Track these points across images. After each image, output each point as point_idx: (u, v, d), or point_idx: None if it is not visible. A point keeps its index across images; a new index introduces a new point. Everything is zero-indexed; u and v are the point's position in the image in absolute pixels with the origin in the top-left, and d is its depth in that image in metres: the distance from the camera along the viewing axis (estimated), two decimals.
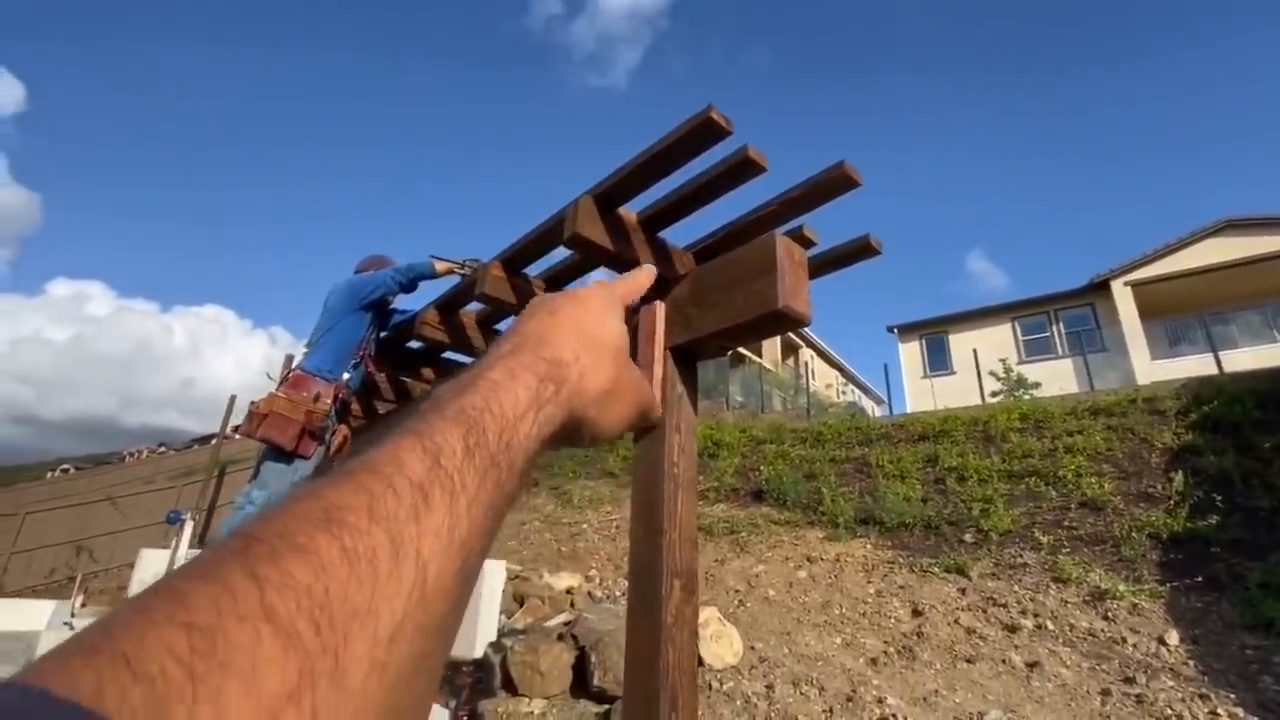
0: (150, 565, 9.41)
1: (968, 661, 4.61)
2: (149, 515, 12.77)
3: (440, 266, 3.14)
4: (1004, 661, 4.57)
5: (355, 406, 4.43)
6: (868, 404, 25.92)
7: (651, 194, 2.09)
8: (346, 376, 3.07)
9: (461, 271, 3.13)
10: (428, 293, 3.64)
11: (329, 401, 2.92)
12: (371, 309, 3.21)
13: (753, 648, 4.97)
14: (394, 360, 3.54)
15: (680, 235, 2.37)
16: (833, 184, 1.93)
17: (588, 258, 2.26)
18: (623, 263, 2.16)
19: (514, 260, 2.52)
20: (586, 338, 0.37)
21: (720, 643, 4.76)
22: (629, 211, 2.17)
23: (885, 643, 5.00)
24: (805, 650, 4.93)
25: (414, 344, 3.45)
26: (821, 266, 2.34)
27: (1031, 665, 4.50)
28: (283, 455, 2.79)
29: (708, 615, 4.97)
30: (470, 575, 0.24)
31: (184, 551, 2.71)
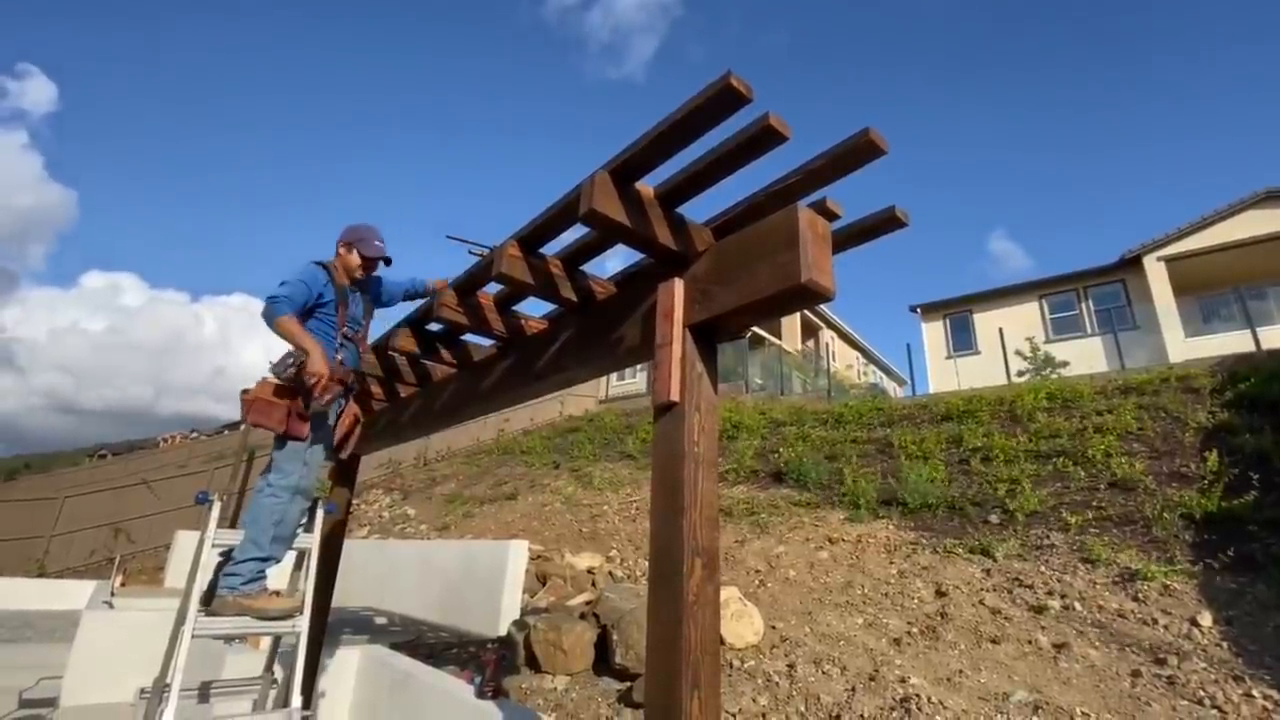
0: (185, 545, 9.71)
1: (993, 642, 4.56)
2: (183, 498, 13.14)
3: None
4: (1030, 642, 4.51)
5: (377, 390, 4.48)
6: (889, 385, 25.61)
7: (669, 168, 2.04)
8: (339, 357, 3.07)
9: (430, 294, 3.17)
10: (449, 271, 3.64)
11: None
12: (356, 289, 3.25)
13: (774, 627, 4.97)
14: (417, 342, 3.56)
15: (698, 213, 2.32)
16: (858, 152, 1.86)
17: (605, 235, 2.23)
18: (640, 239, 2.12)
19: (530, 239, 2.49)
20: None
21: (741, 622, 4.77)
22: (646, 186, 2.13)
23: (908, 623, 4.97)
24: (827, 630, 4.92)
25: (434, 326, 3.46)
26: (846, 240, 2.28)
27: (1059, 646, 4.44)
28: (280, 440, 2.83)
29: (728, 595, 4.98)
30: None
31: (212, 530, 2.75)
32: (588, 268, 2.79)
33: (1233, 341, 12.54)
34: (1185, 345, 13.95)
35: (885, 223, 2.19)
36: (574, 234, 2.56)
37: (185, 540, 9.92)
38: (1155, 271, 15.36)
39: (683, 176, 2.06)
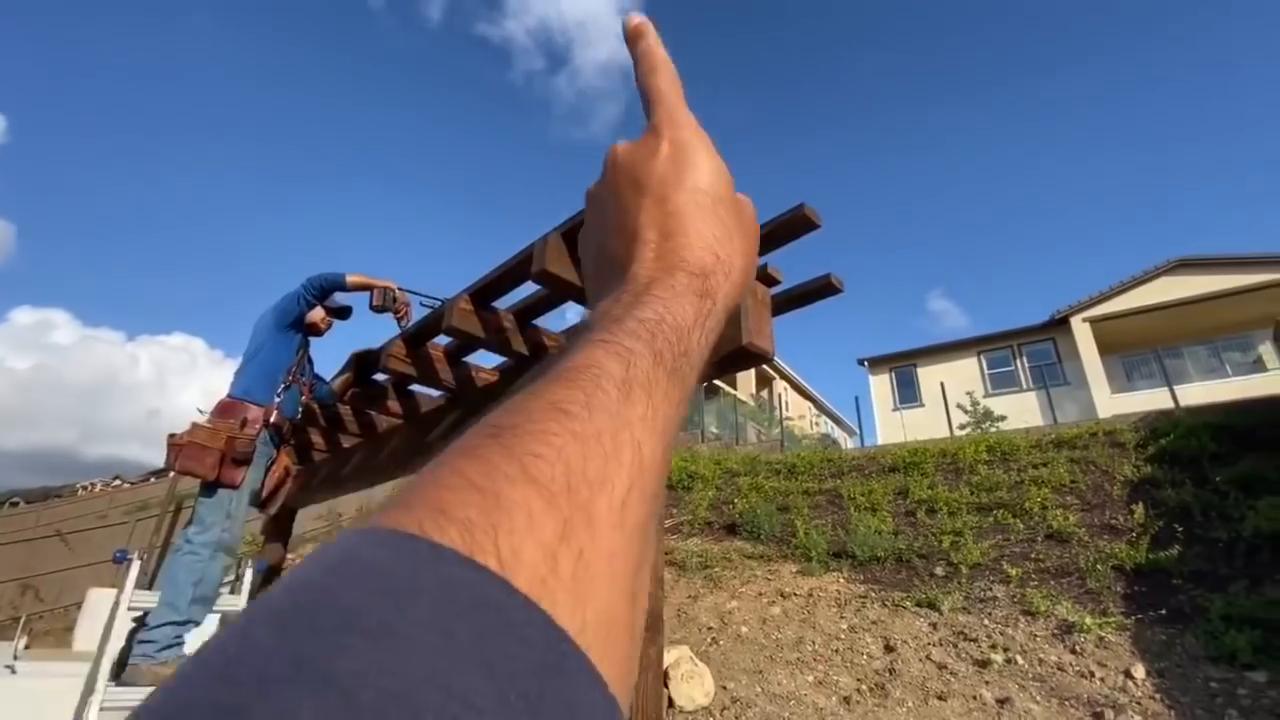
0: (97, 605, 8.95)
1: (939, 699, 4.59)
2: (100, 552, 12.20)
3: (351, 280, 3.07)
4: (975, 698, 4.56)
5: (318, 440, 4.33)
6: (840, 435, 26.15)
7: None
8: (277, 400, 2.98)
9: (390, 307, 3.08)
10: (389, 323, 3.57)
11: (258, 426, 2.83)
12: (296, 328, 3.14)
13: (724, 687, 4.89)
14: (361, 394, 3.49)
15: None
16: (794, 225, 1.98)
17: (556, 293, 2.28)
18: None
19: (483, 294, 2.52)
20: (710, 220, 0.35)
21: (692, 683, 4.67)
22: None
23: (858, 680, 4.96)
24: (777, 689, 4.86)
25: (380, 377, 3.40)
26: (786, 304, 2.39)
27: (1002, 701, 4.50)
28: (209, 487, 2.69)
29: (679, 655, 4.89)
30: (668, 458, 0.26)
31: (129, 593, 2.57)
32: (548, 320, 2.82)
33: (1154, 398, 13.37)
34: (1111, 401, 14.79)
35: (822, 289, 2.31)
36: (528, 290, 2.60)
37: (98, 599, 9.15)
38: (1081, 331, 16.37)
39: None
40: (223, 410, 2.88)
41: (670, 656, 4.83)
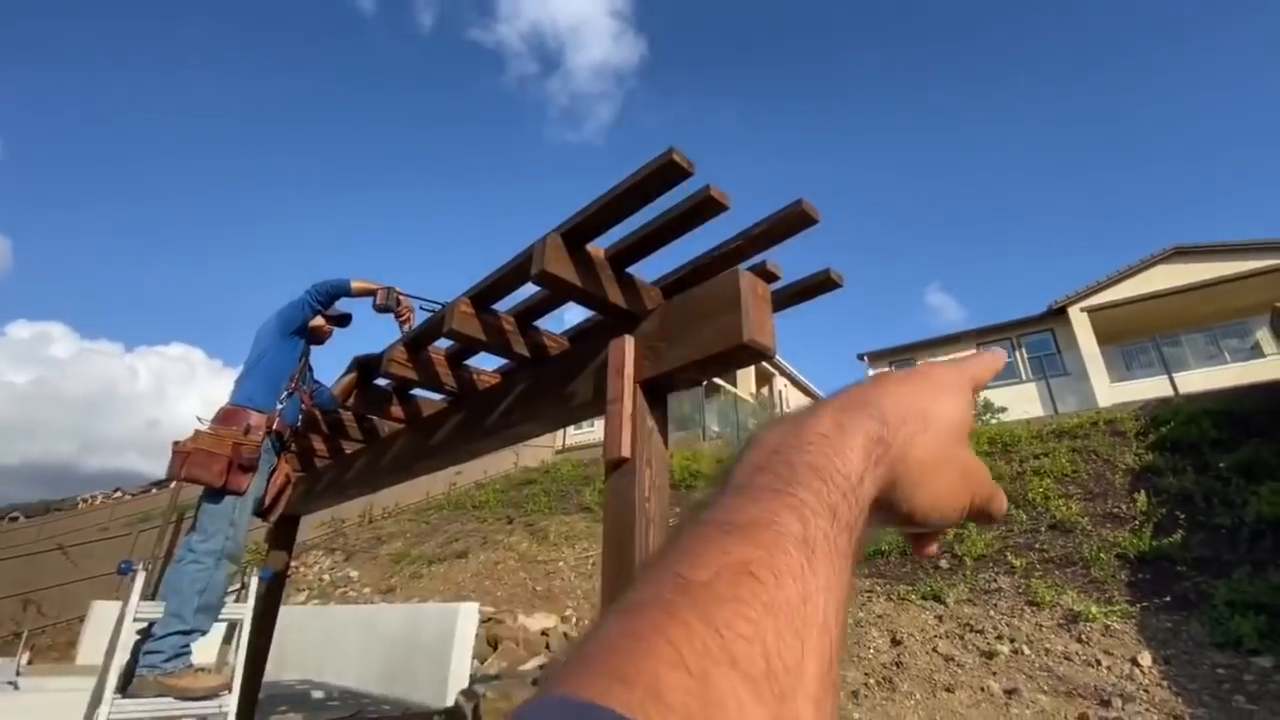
0: (102, 618, 8.93)
1: (947, 690, 4.59)
2: (102, 565, 12.17)
3: (356, 285, 3.11)
4: (982, 689, 4.56)
5: (320, 446, 4.32)
6: None
7: (620, 230, 2.11)
8: (280, 407, 2.98)
9: (394, 308, 3.12)
10: (388, 331, 3.59)
11: (261, 433, 2.83)
12: (300, 335, 3.15)
13: None
14: (364, 399, 3.48)
15: (648, 271, 2.40)
16: (792, 220, 1.98)
17: (556, 294, 2.27)
18: (591, 299, 2.17)
19: (483, 297, 2.51)
20: (918, 407, 0.34)
21: None
22: (597, 248, 2.19)
23: (866, 674, 4.96)
24: None
25: (382, 382, 3.40)
26: (787, 299, 2.38)
27: (1010, 692, 4.50)
28: (214, 494, 2.68)
29: None
30: (845, 625, 0.24)
31: (134, 604, 2.57)
32: (546, 320, 2.82)
33: (1153, 387, 13.40)
34: (1111, 390, 14.81)
35: (821, 284, 2.31)
36: (528, 290, 2.59)
37: (102, 612, 9.14)
38: (1080, 321, 16.39)
39: (633, 240, 2.14)
40: (226, 417, 2.87)
41: None
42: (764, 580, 0.21)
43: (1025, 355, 17.60)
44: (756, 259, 2.27)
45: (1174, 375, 13.46)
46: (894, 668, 4.99)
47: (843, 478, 0.27)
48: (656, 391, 2.16)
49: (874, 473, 0.29)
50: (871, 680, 4.85)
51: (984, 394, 15.37)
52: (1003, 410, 13.86)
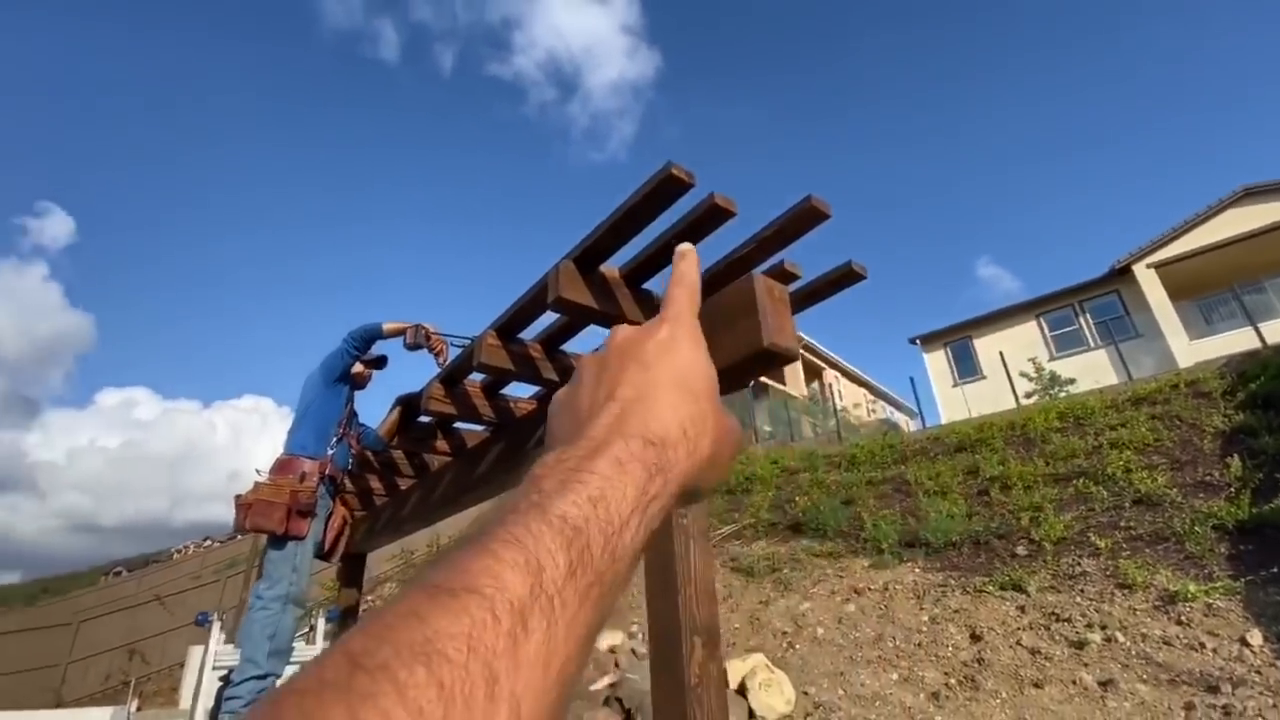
0: (197, 662, 9.45)
1: (1035, 686, 4.34)
2: (195, 611, 12.90)
3: (387, 327, 3.22)
4: (1074, 682, 4.29)
5: (377, 485, 4.47)
6: (901, 419, 25.34)
7: (635, 248, 2.11)
8: (330, 452, 3.10)
9: (424, 344, 3.20)
10: (421, 369, 3.69)
11: (315, 479, 2.95)
12: (344, 382, 3.27)
13: (805, 693, 4.75)
14: (409, 436, 3.58)
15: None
16: (802, 218, 1.93)
17: (575, 318, 2.29)
18: (610, 319, 2.18)
19: (507, 328, 2.55)
20: (687, 398, 0.34)
21: (770, 691, 4.56)
22: (611, 269, 2.20)
23: (945, 674, 4.74)
24: (861, 690, 4.70)
25: (425, 418, 3.49)
26: (808, 298, 2.33)
27: (1105, 684, 4.22)
28: (276, 541, 2.81)
29: (755, 663, 4.80)
30: (566, 702, 0.23)
31: (212, 652, 2.69)
32: (576, 343, 2.84)
33: (1238, 340, 12.47)
34: (1191, 348, 13.86)
35: (843, 278, 2.25)
36: (551, 317, 2.62)
37: (197, 657, 9.67)
38: (1147, 279, 15.44)
39: (645, 256, 2.14)
40: (281, 467, 3.00)
41: (746, 665, 4.75)
42: (449, 657, 0.19)
43: (1090, 321, 16.67)
44: (774, 259, 2.23)
45: (1259, 325, 12.50)
46: (975, 665, 4.75)
47: (601, 528, 0.26)
48: None
49: (649, 510, 0.28)
50: (952, 680, 4.63)
51: (1049, 366, 14.64)
52: (1071, 382, 13.13)
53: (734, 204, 1.89)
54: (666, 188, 1.77)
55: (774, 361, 1.96)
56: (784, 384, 21.13)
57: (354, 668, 0.19)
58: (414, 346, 3.25)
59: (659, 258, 2.09)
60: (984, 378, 17.38)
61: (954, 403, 17.41)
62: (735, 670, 4.71)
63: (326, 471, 3.04)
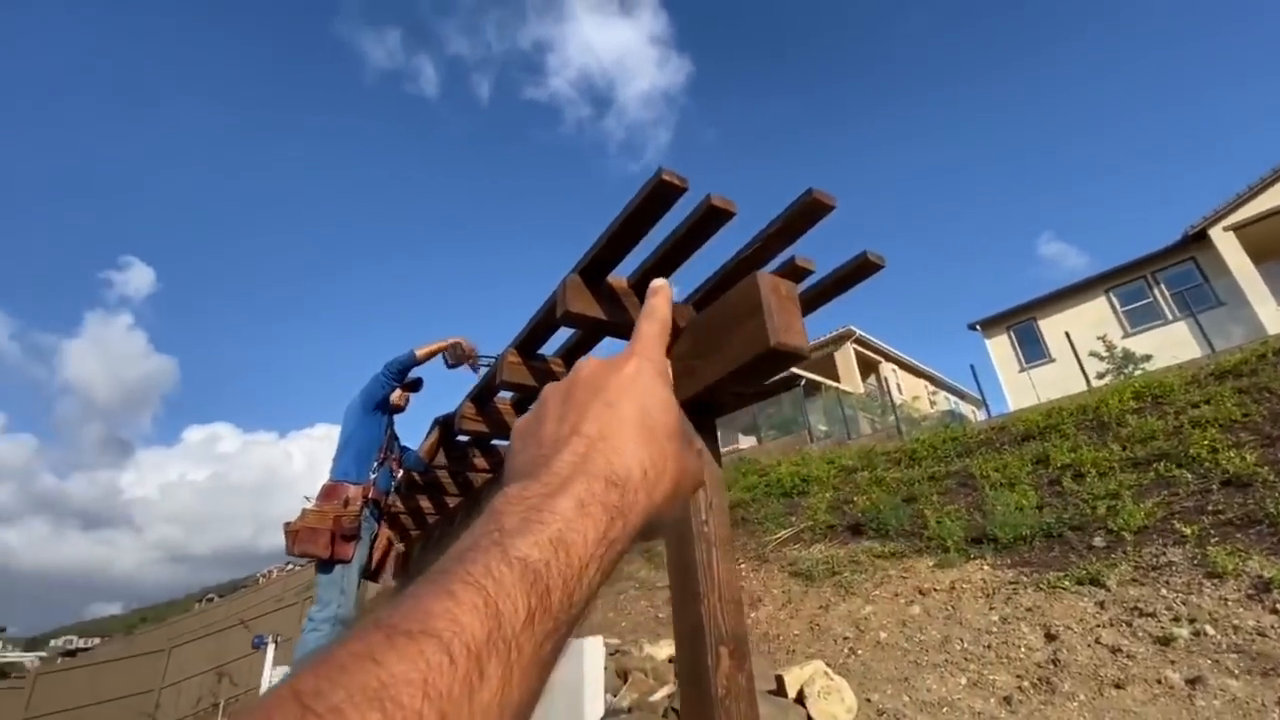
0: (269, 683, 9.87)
1: (1116, 687, 4.05)
2: (278, 634, 13.54)
3: (420, 352, 3.32)
4: (1159, 681, 3.98)
5: (426, 504, 4.60)
6: (967, 409, 24.29)
7: (640, 254, 2.12)
8: (373, 477, 3.20)
9: (463, 360, 3.29)
10: (454, 386, 3.80)
11: (359, 503, 3.06)
12: (382, 409, 3.38)
13: (868, 700, 4.58)
14: (447, 456, 3.68)
15: (686, 288, 2.38)
16: (807, 211, 1.89)
17: (586, 331, 2.30)
18: (621, 329, 2.18)
19: (527, 344, 2.59)
20: (649, 438, 0.34)
21: (830, 699, 4.42)
22: (619, 279, 2.21)
23: (1017, 677, 4.48)
24: (927, 696, 4.50)
25: (462, 438, 3.58)
26: (824, 292, 2.27)
27: (1193, 682, 3.89)
28: (324, 565, 2.91)
29: (813, 670, 4.66)
30: None
31: (268, 674, 2.83)
32: (596, 353, 2.87)
33: None
34: None
35: (859, 269, 2.18)
36: (567, 331, 2.65)
37: (272, 677, 10.13)
38: (1225, 243, 14.37)
39: (649, 264, 2.14)
40: (326, 494, 3.13)
41: (804, 673, 4.62)
42: (402, 704, 0.19)
43: (1166, 292, 15.59)
44: (784, 255, 2.19)
45: None
46: (1051, 666, 4.47)
47: (560, 573, 0.25)
48: (701, 411, 2.12)
49: (609, 553, 0.28)
50: (1025, 683, 4.37)
51: (1121, 344, 13.76)
52: (1147, 359, 12.31)
53: (733, 204, 1.87)
54: (660, 194, 1.77)
55: (784, 361, 1.91)
56: (838, 381, 20.63)
57: (304, 710, 0.18)
58: (454, 365, 3.37)
59: (664, 263, 2.09)
60: (1052, 360, 16.49)
61: (1021, 389, 16.58)
62: (793, 678, 4.59)
63: (370, 496, 3.15)
